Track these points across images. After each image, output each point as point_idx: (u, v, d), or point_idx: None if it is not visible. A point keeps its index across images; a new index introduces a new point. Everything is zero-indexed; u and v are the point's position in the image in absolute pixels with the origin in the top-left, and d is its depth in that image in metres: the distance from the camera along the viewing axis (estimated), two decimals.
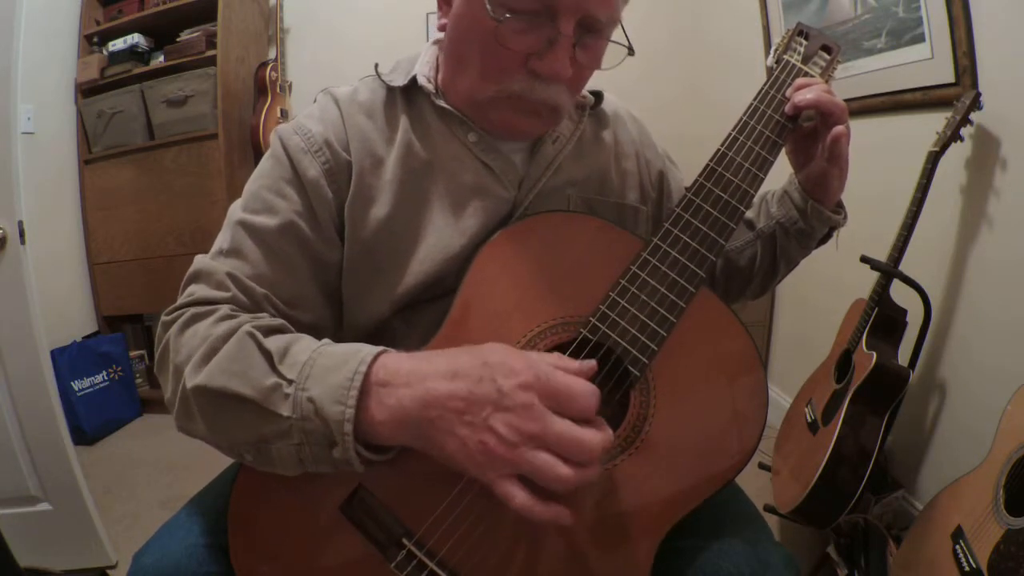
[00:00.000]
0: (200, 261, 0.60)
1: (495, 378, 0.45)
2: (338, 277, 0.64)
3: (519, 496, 0.43)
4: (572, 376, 0.46)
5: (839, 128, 0.62)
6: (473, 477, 0.46)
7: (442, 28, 0.63)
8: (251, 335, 0.51)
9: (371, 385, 0.47)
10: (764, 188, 0.65)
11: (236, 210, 0.62)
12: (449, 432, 0.45)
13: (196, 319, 0.54)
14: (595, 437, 0.44)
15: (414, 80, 0.66)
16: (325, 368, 0.48)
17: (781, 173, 0.72)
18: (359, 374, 0.46)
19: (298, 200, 0.61)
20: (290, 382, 0.47)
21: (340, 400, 0.46)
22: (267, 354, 0.49)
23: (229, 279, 0.57)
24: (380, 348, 0.49)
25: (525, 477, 0.44)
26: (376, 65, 0.70)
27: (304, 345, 0.51)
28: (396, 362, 0.48)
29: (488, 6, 0.55)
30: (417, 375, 0.46)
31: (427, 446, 0.46)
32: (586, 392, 0.45)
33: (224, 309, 0.55)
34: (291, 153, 0.62)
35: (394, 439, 0.47)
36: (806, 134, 0.67)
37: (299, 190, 0.61)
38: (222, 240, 0.61)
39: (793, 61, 0.68)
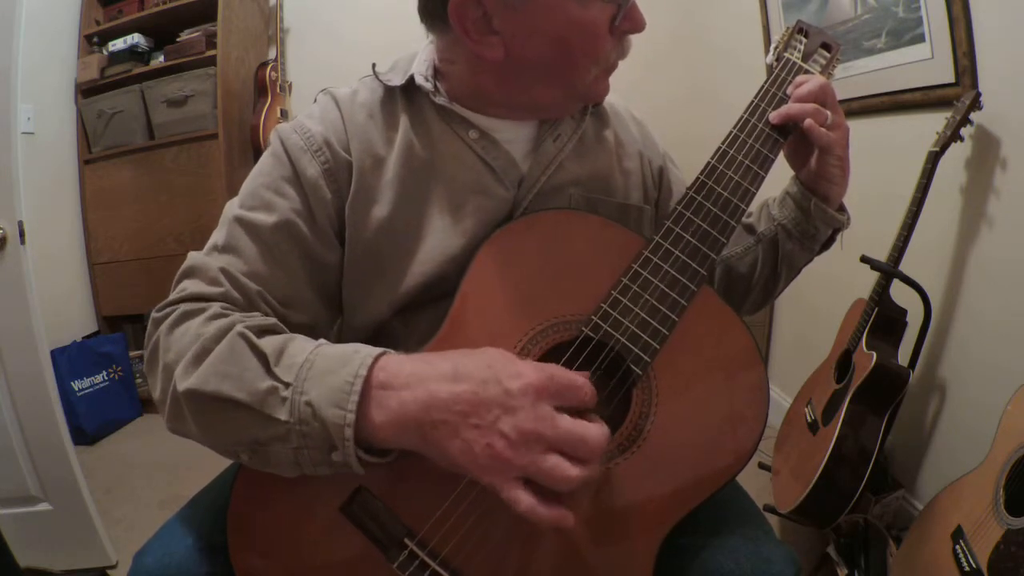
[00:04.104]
0: (194, 257, 0.59)
1: (501, 380, 0.44)
2: (334, 278, 0.64)
3: (525, 500, 0.43)
4: (572, 372, 0.47)
5: (817, 133, 0.62)
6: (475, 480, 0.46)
7: (494, 58, 0.58)
8: (243, 335, 0.49)
9: (371, 388, 0.46)
10: (763, 191, 0.64)
11: (233, 207, 0.61)
12: (453, 435, 0.44)
13: (187, 317, 0.53)
14: (598, 431, 0.44)
15: (412, 79, 0.65)
16: (323, 370, 0.47)
17: (781, 178, 0.72)
18: (359, 377, 0.46)
19: (297, 199, 0.61)
20: (287, 385, 0.46)
21: (340, 404, 0.45)
22: (261, 356, 0.48)
23: (223, 275, 0.56)
24: (379, 349, 0.48)
25: (526, 479, 0.44)
26: (373, 65, 0.69)
27: (300, 346, 0.50)
28: (396, 364, 0.47)
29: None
30: (418, 377, 0.46)
31: (428, 449, 0.45)
32: (587, 382, 0.46)
33: (215, 307, 0.54)
34: (291, 152, 0.62)
35: (394, 442, 0.46)
36: (800, 133, 0.67)
37: (298, 189, 0.61)
38: (217, 236, 0.60)
39: (793, 59, 0.68)
